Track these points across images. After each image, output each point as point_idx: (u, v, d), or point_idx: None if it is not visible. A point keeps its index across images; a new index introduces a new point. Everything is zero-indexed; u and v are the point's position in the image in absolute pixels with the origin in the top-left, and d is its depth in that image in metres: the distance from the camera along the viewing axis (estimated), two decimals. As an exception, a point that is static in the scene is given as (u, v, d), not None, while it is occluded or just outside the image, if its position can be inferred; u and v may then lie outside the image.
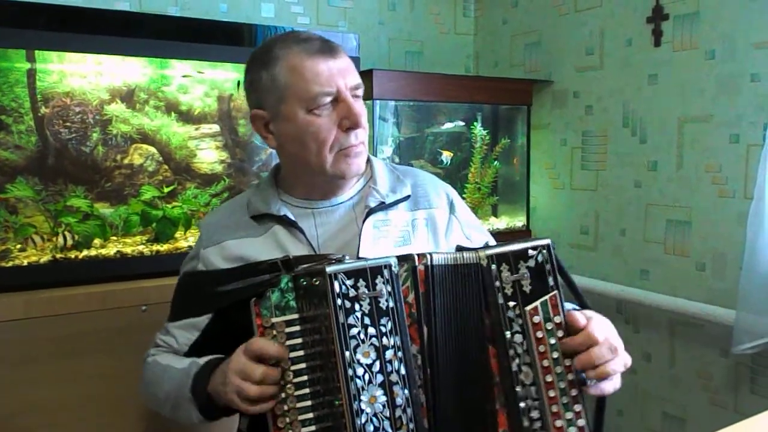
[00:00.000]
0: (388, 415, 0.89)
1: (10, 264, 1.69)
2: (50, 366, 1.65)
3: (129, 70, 1.93)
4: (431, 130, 2.62)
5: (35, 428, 1.63)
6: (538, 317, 0.94)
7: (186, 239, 1.98)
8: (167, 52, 1.90)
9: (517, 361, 0.94)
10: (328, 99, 1.12)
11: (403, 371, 0.91)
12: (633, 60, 2.24)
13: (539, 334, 0.94)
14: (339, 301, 0.89)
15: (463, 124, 2.63)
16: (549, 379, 0.93)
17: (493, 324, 0.95)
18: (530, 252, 0.95)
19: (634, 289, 2.24)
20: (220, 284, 1.15)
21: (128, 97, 1.93)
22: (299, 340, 0.96)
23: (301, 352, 0.96)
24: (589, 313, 1.00)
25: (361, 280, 0.90)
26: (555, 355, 0.94)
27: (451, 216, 1.28)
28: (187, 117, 2.04)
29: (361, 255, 1.13)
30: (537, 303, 0.94)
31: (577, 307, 1.06)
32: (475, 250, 0.98)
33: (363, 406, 0.88)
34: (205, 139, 2.08)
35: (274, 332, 0.96)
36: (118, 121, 1.92)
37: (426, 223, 1.24)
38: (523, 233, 2.61)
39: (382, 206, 1.21)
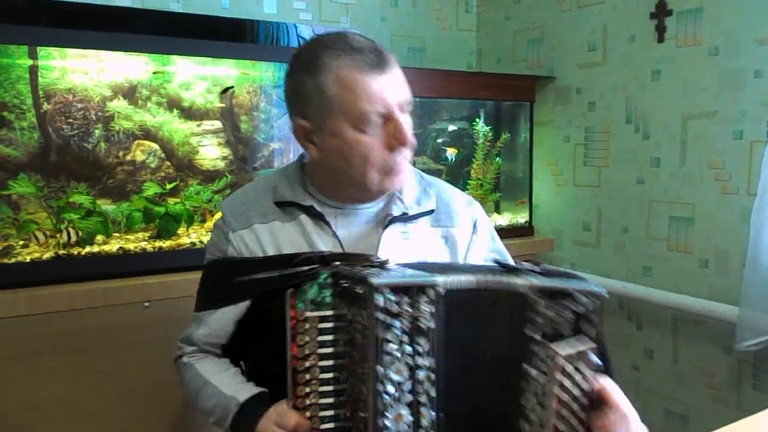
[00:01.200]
0: None
1: (13, 260, 1.69)
2: (53, 362, 1.65)
3: (131, 66, 1.93)
4: (434, 127, 2.62)
5: (38, 424, 1.64)
6: (570, 366, 0.89)
7: (188, 235, 1.98)
8: (169, 48, 1.90)
9: (530, 397, 0.90)
10: (379, 118, 1.07)
11: (433, 393, 0.89)
12: (636, 56, 2.24)
13: (566, 383, 0.89)
14: (380, 316, 0.87)
15: (459, 125, 2.62)
16: (561, 427, 0.89)
17: (517, 353, 0.91)
18: (582, 298, 0.90)
19: (637, 286, 2.23)
20: (256, 271, 1.14)
21: (130, 94, 1.93)
22: (330, 337, 0.95)
23: (330, 349, 0.95)
24: (614, 387, 0.95)
25: (405, 297, 0.88)
26: (575, 407, 0.89)
27: (473, 236, 1.26)
28: (189, 113, 2.04)
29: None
30: (572, 350, 0.89)
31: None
32: (524, 274, 0.93)
33: (387, 422, 0.87)
34: (208, 136, 2.07)
35: (307, 326, 0.95)
36: (120, 118, 1.92)
37: (445, 242, 1.22)
38: (526, 230, 2.61)
39: (404, 217, 1.19)
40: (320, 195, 1.20)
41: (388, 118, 1.07)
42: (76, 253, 1.77)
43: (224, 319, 1.18)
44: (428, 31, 2.81)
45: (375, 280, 0.87)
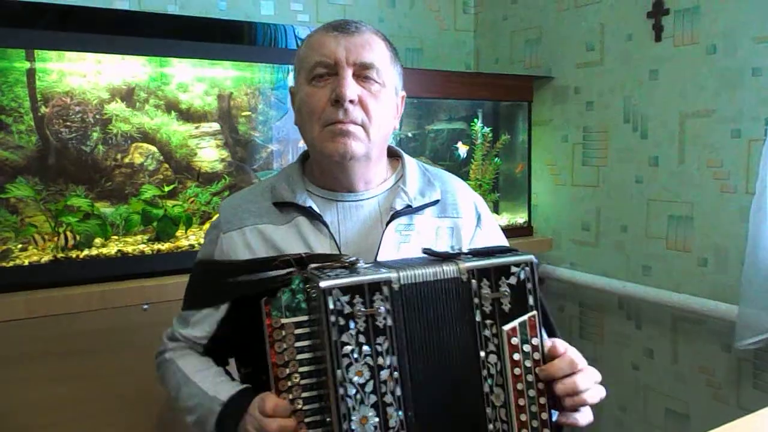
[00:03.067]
0: None
1: (11, 264, 1.69)
2: (52, 365, 1.65)
3: (128, 68, 1.93)
4: (432, 127, 2.62)
5: (36, 427, 1.63)
6: (516, 339, 0.91)
7: (187, 238, 1.98)
8: (167, 50, 1.90)
9: (489, 381, 0.92)
10: (324, 70, 1.10)
11: (398, 392, 0.88)
12: (634, 55, 2.24)
13: (516, 356, 0.91)
14: (333, 318, 0.86)
15: (457, 125, 2.62)
16: (521, 402, 0.91)
17: (467, 342, 0.92)
18: (513, 269, 0.92)
19: (636, 285, 2.23)
20: (234, 275, 1.12)
21: (128, 96, 1.93)
22: (308, 343, 0.93)
23: (309, 355, 0.93)
24: (566, 344, 0.98)
25: (357, 296, 0.87)
26: (529, 378, 0.91)
27: (477, 229, 1.25)
28: (187, 115, 2.03)
29: (379, 260, 1.10)
30: (516, 323, 0.91)
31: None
32: (455, 258, 0.95)
33: (353, 426, 0.86)
34: (206, 138, 2.07)
35: (284, 333, 0.93)
36: (118, 120, 1.92)
37: (451, 233, 1.21)
38: (525, 230, 2.61)
39: (409, 210, 1.18)
40: (318, 189, 1.19)
41: (335, 73, 1.10)
42: (74, 256, 1.77)
43: (206, 320, 1.19)
44: (426, 32, 2.81)
45: (323, 283, 0.86)
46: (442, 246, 1.18)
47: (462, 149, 2.58)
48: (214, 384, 1.12)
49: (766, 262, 1.79)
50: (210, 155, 2.09)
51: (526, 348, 0.92)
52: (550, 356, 0.94)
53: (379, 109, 1.12)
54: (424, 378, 0.91)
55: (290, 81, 2.16)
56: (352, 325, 0.87)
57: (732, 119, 1.96)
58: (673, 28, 2.11)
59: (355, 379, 0.86)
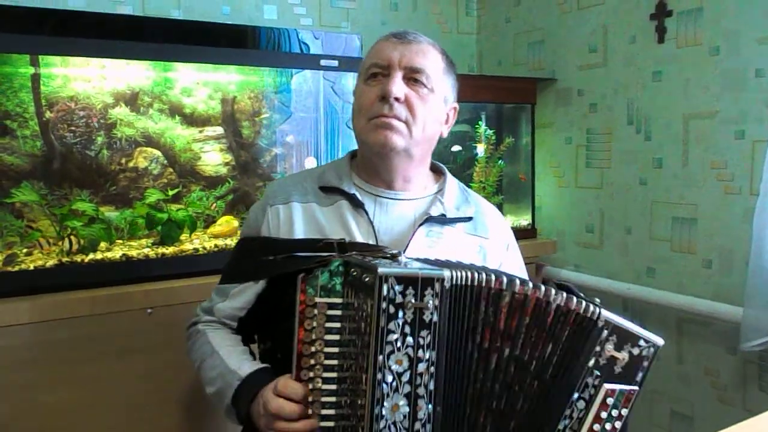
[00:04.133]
0: (407, 426, 0.89)
1: (17, 268, 1.70)
2: (56, 370, 1.65)
3: (133, 73, 1.94)
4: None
5: (41, 431, 1.64)
6: (611, 399, 0.93)
7: (191, 242, 1.98)
8: (170, 55, 1.91)
9: (566, 422, 0.93)
10: (378, 70, 1.19)
11: (431, 387, 0.90)
12: (637, 57, 2.24)
13: (603, 414, 0.93)
14: (384, 305, 0.88)
15: (461, 128, 2.62)
16: None
17: (568, 380, 0.94)
18: (642, 342, 0.94)
19: (641, 287, 2.23)
20: (277, 252, 1.19)
21: (132, 101, 1.94)
22: (337, 325, 0.97)
23: (336, 337, 0.97)
24: None
25: (410, 288, 0.89)
26: None
27: (506, 254, 1.31)
28: (191, 120, 2.04)
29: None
30: (617, 386, 0.93)
31: None
32: (598, 306, 0.96)
33: (384, 412, 0.88)
34: (210, 142, 2.08)
35: (315, 311, 0.97)
36: (122, 125, 1.92)
37: (479, 251, 1.26)
38: (529, 232, 2.61)
39: (442, 219, 1.23)
40: (361, 182, 1.26)
41: (387, 74, 1.19)
42: (79, 260, 1.78)
43: (246, 293, 1.24)
44: (429, 35, 2.76)
45: (382, 270, 0.88)
46: (470, 260, 1.21)
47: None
48: (239, 360, 1.16)
49: (770, 263, 1.79)
50: (214, 159, 2.09)
51: (614, 413, 0.93)
52: None
53: (424, 110, 1.20)
54: (460, 378, 0.94)
55: (294, 83, 2.18)
56: (400, 314, 0.89)
57: (736, 120, 1.96)
58: (677, 29, 2.10)
59: (394, 367, 0.89)
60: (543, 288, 0.95)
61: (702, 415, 2.10)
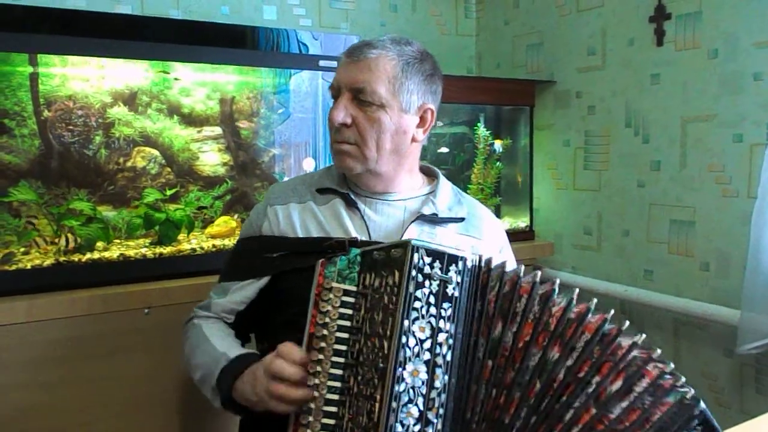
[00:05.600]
0: (424, 392, 0.91)
1: (14, 267, 1.69)
2: (53, 369, 1.65)
3: (131, 73, 1.94)
4: (434, 132, 2.62)
5: (37, 431, 1.63)
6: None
7: (189, 241, 1.98)
8: (169, 55, 1.91)
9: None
10: (335, 92, 1.23)
11: (449, 358, 0.93)
12: (635, 60, 2.24)
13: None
14: (413, 273, 0.92)
15: (459, 130, 2.62)
16: None
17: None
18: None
19: (638, 290, 2.23)
20: (282, 249, 1.23)
21: (131, 100, 1.94)
22: (349, 311, 0.99)
23: (347, 323, 0.99)
24: None
25: (438, 261, 0.94)
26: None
27: (498, 258, 1.31)
28: (189, 120, 2.04)
29: None
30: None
31: None
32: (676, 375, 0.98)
33: (405, 375, 0.90)
34: (208, 142, 2.08)
35: (331, 295, 0.99)
36: (120, 124, 1.92)
37: (471, 251, 1.25)
38: (527, 234, 2.61)
39: (433, 218, 1.25)
40: (355, 187, 1.29)
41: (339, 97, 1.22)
42: (76, 259, 1.77)
43: (247, 289, 1.26)
44: (428, 36, 2.81)
45: (415, 241, 0.93)
46: None
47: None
48: (229, 345, 1.18)
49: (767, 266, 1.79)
50: (212, 159, 2.09)
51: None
52: None
53: (373, 130, 1.20)
54: (476, 352, 0.95)
55: (292, 84, 2.18)
56: (427, 284, 0.93)
57: (733, 124, 1.96)
58: (675, 32, 2.11)
59: (418, 333, 0.92)
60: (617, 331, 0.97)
61: (699, 418, 2.10)
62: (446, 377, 0.92)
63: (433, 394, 0.92)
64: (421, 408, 0.91)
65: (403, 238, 1.18)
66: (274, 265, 1.24)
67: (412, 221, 1.23)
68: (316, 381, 0.98)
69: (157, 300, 1.75)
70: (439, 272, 0.93)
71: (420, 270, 0.92)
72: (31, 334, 1.62)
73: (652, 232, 2.22)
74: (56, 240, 1.78)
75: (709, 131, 2.03)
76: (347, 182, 1.30)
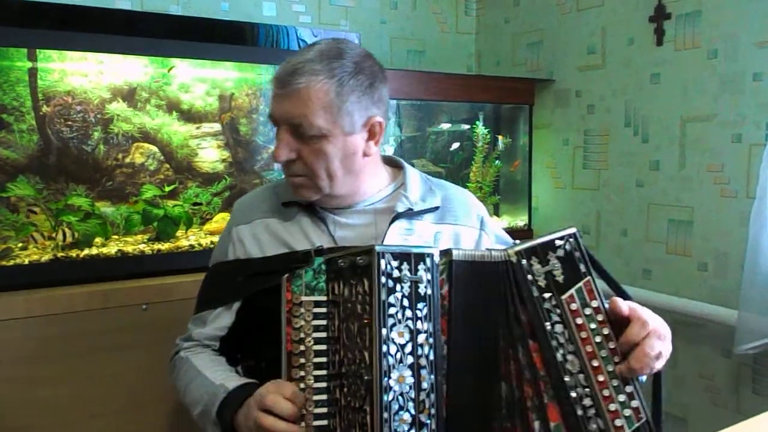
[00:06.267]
0: (413, 396, 0.91)
1: (12, 263, 1.69)
2: (51, 365, 1.65)
3: (130, 68, 1.93)
4: (433, 129, 2.62)
5: (36, 428, 1.63)
6: (575, 304, 0.95)
7: (187, 238, 1.98)
8: (169, 51, 1.90)
9: (561, 351, 0.94)
10: (273, 123, 1.17)
11: (431, 357, 0.93)
12: (635, 59, 2.24)
13: (579, 321, 0.95)
14: (383, 279, 0.91)
15: (458, 128, 2.62)
16: (595, 364, 0.94)
17: (532, 318, 0.95)
18: (557, 242, 0.97)
19: (636, 289, 2.23)
20: (251, 271, 1.19)
21: (129, 96, 1.93)
22: (324, 322, 0.98)
23: (323, 334, 0.98)
24: (627, 302, 1.00)
25: (405, 263, 0.93)
26: (598, 339, 0.95)
27: (482, 232, 1.29)
28: (188, 116, 2.04)
29: None
30: (572, 290, 0.96)
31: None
32: (503, 249, 0.99)
33: (392, 383, 0.90)
34: (207, 138, 2.07)
35: (302, 310, 0.98)
36: (119, 120, 1.92)
37: (451, 238, 1.25)
38: (525, 233, 2.61)
39: (410, 213, 1.21)
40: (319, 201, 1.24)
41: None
42: (74, 255, 1.77)
43: (223, 316, 1.23)
44: (428, 34, 2.81)
45: (379, 247, 0.92)
46: None
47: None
48: (225, 377, 1.15)
49: (765, 266, 1.79)
50: (211, 156, 2.09)
51: (588, 311, 0.95)
52: (612, 314, 0.97)
53: (319, 161, 1.15)
54: (461, 348, 0.95)
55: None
56: (398, 288, 0.92)
57: (733, 124, 1.96)
58: (675, 32, 2.11)
59: (397, 339, 0.91)
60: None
61: (696, 418, 2.11)
62: (432, 376, 0.92)
63: (422, 395, 0.91)
64: (413, 412, 0.90)
65: (379, 243, 1.15)
66: (244, 289, 1.20)
67: (391, 223, 1.19)
68: (300, 388, 0.96)
69: (155, 296, 1.75)
70: (408, 274, 0.93)
71: (389, 275, 0.92)
72: (28, 330, 1.61)
73: (651, 231, 2.22)
74: (54, 235, 1.78)
75: (708, 131, 2.03)
76: None
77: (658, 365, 1.00)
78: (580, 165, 2.47)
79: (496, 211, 2.71)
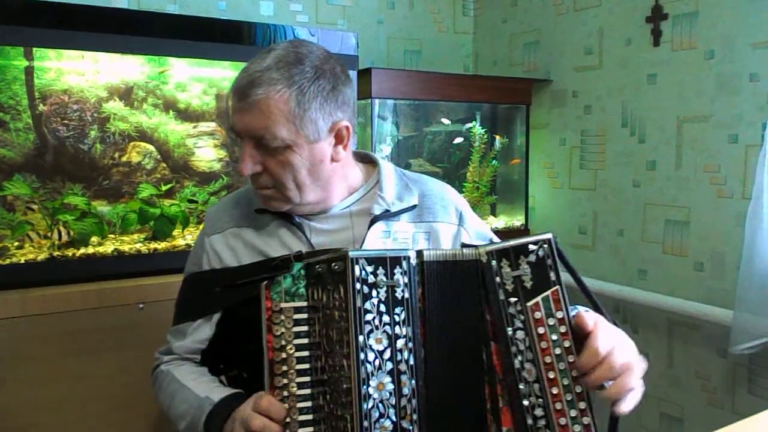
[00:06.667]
0: (393, 403, 0.90)
1: (8, 261, 1.69)
2: (47, 364, 1.64)
3: (127, 67, 1.93)
4: (430, 129, 2.62)
5: (31, 426, 1.63)
6: (540, 313, 0.93)
7: (183, 237, 1.98)
8: (166, 50, 1.90)
9: (519, 357, 0.93)
10: (235, 135, 1.13)
11: (411, 362, 0.92)
12: (632, 59, 2.24)
13: (541, 330, 0.93)
14: (358, 286, 0.90)
15: (455, 127, 2.62)
16: (552, 375, 0.92)
17: (495, 320, 0.94)
18: (531, 246, 0.96)
19: (633, 289, 2.23)
20: (229, 280, 1.16)
21: (126, 95, 1.93)
22: (305, 328, 0.97)
23: (306, 340, 0.96)
24: (596, 317, 0.97)
25: (380, 267, 0.92)
26: (558, 351, 0.93)
27: (460, 228, 1.26)
28: (185, 115, 2.03)
29: None
30: (538, 298, 0.94)
31: (587, 309, 1.05)
32: (476, 247, 0.98)
33: (371, 391, 0.89)
34: (203, 137, 2.07)
35: (282, 317, 0.96)
36: (116, 119, 1.91)
37: (427, 237, 1.22)
38: (522, 233, 2.61)
39: (387, 215, 1.18)
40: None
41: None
42: (70, 254, 1.77)
43: (204, 327, 1.20)
44: (425, 34, 2.81)
45: (352, 253, 0.91)
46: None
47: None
48: (209, 388, 1.12)
49: (761, 267, 1.79)
50: (207, 155, 2.08)
51: (551, 321, 0.93)
52: (577, 328, 0.95)
53: (286, 172, 1.11)
54: (437, 350, 0.94)
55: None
56: (374, 293, 0.91)
57: (729, 124, 1.97)
58: (672, 32, 2.11)
59: (375, 345, 0.90)
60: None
61: (691, 418, 2.11)
62: (413, 381, 0.91)
63: (404, 401, 0.90)
64: (394, 419, 0.89)
65: (357, 247, 1.14)
66: (223, 300, 1.17)
67: (368, 228, 1.17)
68: (286, 405, 0.95)
69: (151, 295, 1.75)
70: (384, 278, 0.92)
71: (364, 281, 0.90)
72: (24, 329, 1.61)
73: (647, 231, 2.23)
74: (49, 234, 1.78)
75: (704, 132, 2.04)
76: None
77: (624, 402, 0.97)
78: (576, 165, 2.48)
79: (492, 211, 2.71)
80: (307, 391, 0.96)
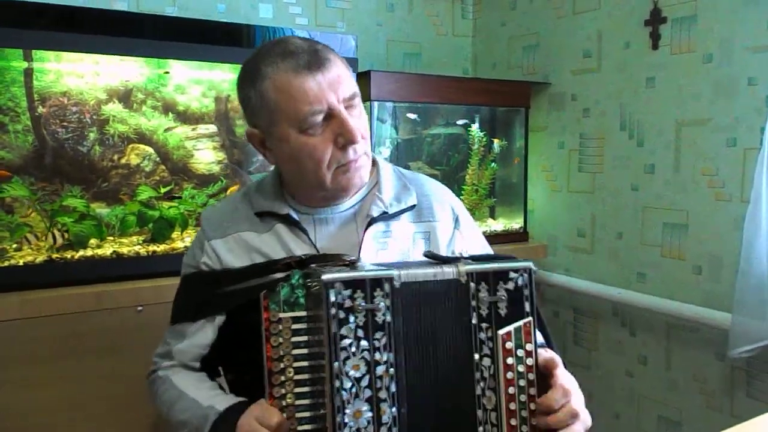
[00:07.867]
0: (371, 431, 0.88)
1: (6, 264, 1.69)
2: (45, 366, 1.64)
3: (126, 70, 1.93)
4: (429, 132, 2.62)
5: (30, 429, 1.63)
6: (511, 343, 0.92)
7: (182, 239, 1.98)
8: (165, 52, 1.90)
9: (482, 384, 0.92)
10: (320, 117, 1.07)
11: (393, 389, 0.89)
12: (630, 63, 2.25)
13: (510, 360, 0.92)
14: (333, 311, 0.87)
15: (454, 130, 2.63)
16: (512, 407, 0.92)
17: (464, 342, 0.93)
18: (511, 274, 0.94)
19: (631, 292, 2.24)
20: (231, 283, 1.14)
21: (125, 97, 1.93)
22: (304, 338, 0.95)
23: (304, 350, 0.95)
24: (557, 357, 0.98)
25: (359, 291, 0.89)
26: (522, 383, 0.93)
27: (455, 231, 1.26)
28: (184, 117, 2.03)
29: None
30: (511, 328, 0.93)
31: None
32: (456, 262, 0.96)
33: (347, 419, 0.87)
34: (202, 140, 2.07)
35: (281, 327, 0.95)
36: (115, 121, 1.92)
37: (426, 237, 1.21)
38: (521, 235, 2.62)
39: (385, 216, 1.18)
40: (296, 203, 1.20)
41: (331, 116, 1.08)
42: (69, 256, 1.77)
43: (206, 329, 1.18)
44: (424, 37, 2.81)
45: (326, 276, 0.88)
46: (420, 252, 1.18)
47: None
48: (210, 396, 1.11)
49: (760, 270, 1.79)
50: (207, 157, 2.08)
51: (520, 353, 0.93)
52: (544, 368, 0.95)
53: (367, 129, 1.13)
54: (418, 376, 0.92)
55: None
56: (351, 319, 0.88)
57: (728, 128, 1.97)
58: (670, 36, 2.12)
59: (352, 372, 0.88)
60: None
61: (690, 421, 2.11)
62: (394, 409, 0.88)
63: (383, 429, 0.88)
64: None
65: (361, 255, 1.13)
66: (226, 301, 1.15)
67: (366, 228, 1.16)
68: (285, 415, 0.95)
69: (149, 298, 1.75)
70: (363, 303, 0.88)
71: (340, 306, 0.87)
72: (22, 331, 1.61)
73: (646, 235, 2.23)
74: (46, 237, 1.77)
75: (703, 135, 2.04)
76: (284, 197, 1.21)
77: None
78: (575, 168, 2.48)
79: (491, 214, 2.71)
80: (306, 402, 0.95)
